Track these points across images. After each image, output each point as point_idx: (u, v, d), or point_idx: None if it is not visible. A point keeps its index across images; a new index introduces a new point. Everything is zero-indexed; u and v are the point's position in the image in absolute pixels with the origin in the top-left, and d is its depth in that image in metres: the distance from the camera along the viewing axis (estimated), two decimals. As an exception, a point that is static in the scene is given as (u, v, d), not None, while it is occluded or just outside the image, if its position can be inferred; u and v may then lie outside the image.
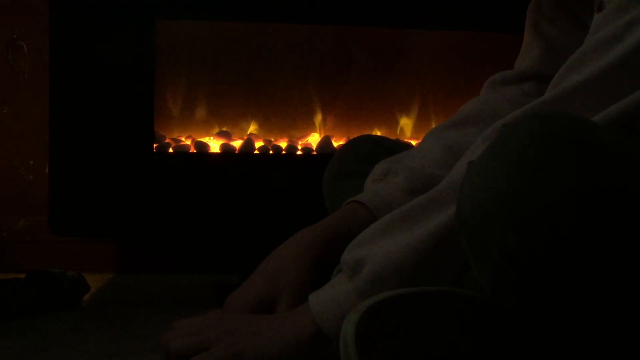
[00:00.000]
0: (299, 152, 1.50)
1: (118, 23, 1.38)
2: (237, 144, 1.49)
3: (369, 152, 1.03)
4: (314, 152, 1.50)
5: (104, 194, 1.39)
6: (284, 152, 1.49)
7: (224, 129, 1.56)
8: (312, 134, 1.59)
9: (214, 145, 1.49)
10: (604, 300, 0.61)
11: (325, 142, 1.51)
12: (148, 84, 1.40)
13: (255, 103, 1.59)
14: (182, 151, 1.45)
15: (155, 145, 1.43)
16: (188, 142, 1.50)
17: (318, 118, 1.61)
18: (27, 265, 1.52)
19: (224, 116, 1.58)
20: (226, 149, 1.47)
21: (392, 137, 1.54)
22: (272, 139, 1.57)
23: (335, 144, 1.52)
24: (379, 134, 1.61)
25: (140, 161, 1.40)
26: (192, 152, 1.46)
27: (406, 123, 1.65)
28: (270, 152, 1.48)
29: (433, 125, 1.63)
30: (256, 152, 1.47)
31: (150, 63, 1.40)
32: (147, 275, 1.60)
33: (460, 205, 0.63)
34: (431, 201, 0.74)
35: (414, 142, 1.46)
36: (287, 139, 1.57)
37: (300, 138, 1.58)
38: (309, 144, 1.54)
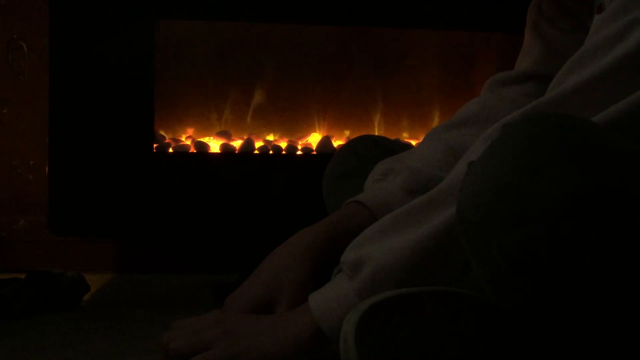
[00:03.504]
0: (299, 152, 1.50)
1: (118, 23, 1.38)
2: (237, 144, 1.49)
3: (369, 152, 1.03)
4: (314, 152, 1.50)
5: (104, 194, 1.39)
6: (284, 152, 1.49)
7: (224, 129, 1.56)
8: (312, 134, 1.59)
9: (214, 145, 1.49)
10: (603, 300, 0.61)
11: (325, 142, 1.51)
12: (148, 84, 1.40)
13: (255, 103, 1.59)
14: (182, 151, 1.45)
15: (155, 145, 1.43)
16: (188, 142, 1.50)
17: (318, 118, 1.61)
18: (27, 265, 1.52)
19: (224, 116, 1.58)
20: (226, 149, 1.47)
21: (392, 137, 1.55)
22: (272, 139, 1.57)
23: (335, 144, 1.52)
24: (378, 134, 1.61)
25: (140, 161, 1.40)
26: (192, 152, 1.46)
27: (406, 123, 1.65)
28: (270, 152, 1.48)
29: (433, 125, 1.63)
30: (256, 152, 1.47)
31: (150, 63, 1.40)
32: (147, 275, 1.60)
33: (461, 206, 0.63)
34: (431, 201, 0.74)
35: (414, 142, 1.46)
36: (287, 139, 1.57)
37: (300, 138, 1.58)
38: (309, 144, 1.54)
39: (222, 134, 1.54)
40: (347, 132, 1.62)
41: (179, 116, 1.56)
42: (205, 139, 1.52)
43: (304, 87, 1.61)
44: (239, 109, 1.58)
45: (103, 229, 1.43)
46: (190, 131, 1.56)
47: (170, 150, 1.45)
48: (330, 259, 0.82)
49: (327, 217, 0.89)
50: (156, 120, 1.44)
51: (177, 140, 1.51)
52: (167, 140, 1.49)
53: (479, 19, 1.49)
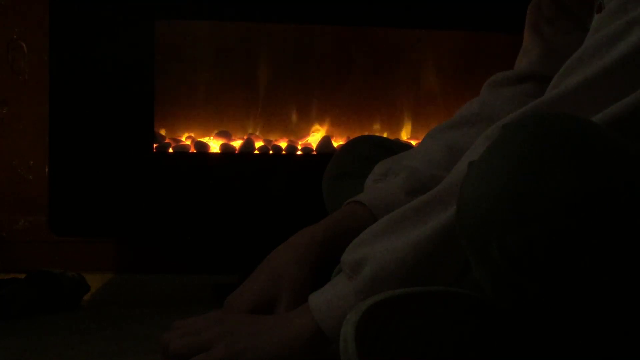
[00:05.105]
0: (299, 152, 1.50)
1: (118, 23, 1.38)
2: (237, 144, 1.49)
3: (369, 153, 1.03)
4: (314, 152, 1.50)
5: (104, 194, 1.39)
6: (284, 152, 1.49)
7: (224, 129, 1.56)
8: (312, 134, 1.59)
9: (214, 145, 1.49)
10: (603, 300, 0.61)
11: (325, 142, 1.51)
12: (148, 84, 1.40)
13: (255, 103, 1.59)
14: (182, 151, 1.45)
15: (155, 145, 1.43)
16: (188, 142, 1.50)
17: (318, 118, 1.61)
18: (27, 265, 1.52)
19: (224, 116, 1.58)
20: (226, 149, 1.47)
21: (392, 137, 1.55)
22: (272, 139, 1.57)
23: (335, 144, 1.52)
24: (378, 134, 1.61)
25: (140, 161, 1.40)
26: (192, 152, 1.46)
27: (406, 123, 1.65)
28: (270, 152, 1.48)
29: (432, 125, 1.62)
30: (256, 152, 1.47)
31: (150, 63, 1.40)
32: (147, 275, 1.60)
33: (461, 206, 0.63)
34: (431, 201, 0.74)
35: (414, 142, 1.46)
36: (287, 139, 1.57)
37: (300, 138, 1.58)
38: (309, 144, 1.54)
39: (222, 134, 1.54)
40: (347, 132, 1.62)
41: (179, 116, 1.56)
42: (205, 139, 1.52)
43: (304, 87, 1.61)
44: (239, 109, 1.58)
45: (103, 229, 1.43)
46: (190, 131, 1.56)
47: (170, 150, 1.45)
48: (330, 259, 0.82)
49: (327, 217, 0.89)
50: (156, 120, 1.44)
51: (177, 140, 1.51)
52: (167, 140, 1.49)
53: (479, 19, 1.49)
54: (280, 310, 0.81)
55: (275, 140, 1.57)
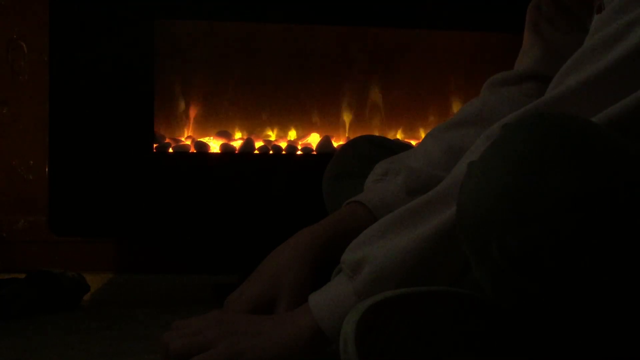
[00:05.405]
0: (299, 152, 1.50)
1: (118, 23, 1.38)
2: (237, 144, 1.49)
3: (369, 153, 1.03)
4: (314, 152, 1.50)
5: (104, 193, 1.39)
6: (284, 152, 1.49)
7: (224, 129, 1.56)
8: (312, 134, 1.59)
9: (214, 145, 1.49)
10: (603, 300, 0.61)
11: (325, 142, 1.51)
12: (148, 84, 1.40)
13: (255, 103, 1.59)
14: (182, 151, 1.45)
15: (155, 145, 1.43)
16: (188, 142, 1.50)
17: (318, 118, 1.61)
18: (27, 265, 1.52)
19: (224, 116, 1.58)
20: (226, 149, 1.47)
21: (392, 138, 1.55)
22: (272, 139, 1.57)
23: (335, 144, 1.52)
24: (378, 134, 1.61)
25: (140, 161, 1.40)
26: (192, 152, 1.46)
27: (405, 123, 1.65)
28: (270, 152, 1.48)
29: (432, 126, 1.63)
30: (256, 152, 1.47)
31: (150, 63, 1.40)
32: (147, 275, 1.60)
33: (461, 206, 0.63)
34: (431, 202, 0.74)
35: (413, 142, 1.46)
36: (287, 139, 1.58)
37: (300, 138, 1.58)
38: (309, 144, 1.54)
39: (222, 134, 1.54)
40: (347, 132, 1.62)
41: (179, 116, 1.56)
42: (205, 139, 1.52)
43: (304, 87, 1.61)
44: (238, 109, 1.58)
45: (103, 229, 1.43)
46: (190, 131, 1.56)
47: (170, 150, 1.45)
48: (330, 259, 0.82)
49: (327, 217, 0.89)
50: (156, 120, 1.44)
51: (177, 140, 1.51)
52: (167, 140, 1.49)
53: (479, 19, 1.49)
54: (280, 310, 0.81)
55: (275, 140, 1.57)
